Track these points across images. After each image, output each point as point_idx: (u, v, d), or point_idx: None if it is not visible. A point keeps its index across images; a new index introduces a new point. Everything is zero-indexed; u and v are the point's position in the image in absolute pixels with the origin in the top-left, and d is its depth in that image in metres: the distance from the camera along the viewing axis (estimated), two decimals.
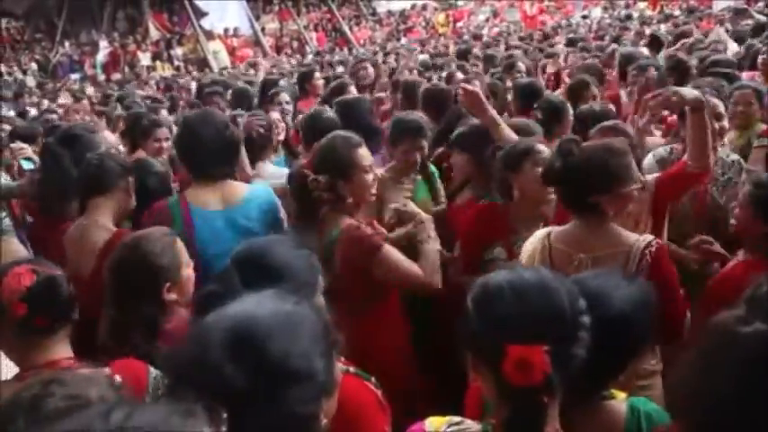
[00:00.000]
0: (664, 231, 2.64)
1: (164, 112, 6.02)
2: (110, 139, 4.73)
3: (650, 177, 2.65)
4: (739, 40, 6.95)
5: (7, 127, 4.96)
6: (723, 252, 2.53)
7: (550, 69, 6.05)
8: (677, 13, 12.93)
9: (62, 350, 1.67)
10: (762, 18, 8.21)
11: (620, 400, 1.41)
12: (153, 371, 1.66)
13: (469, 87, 2.95)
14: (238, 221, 2.52)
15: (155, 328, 1.88)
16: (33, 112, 9.79)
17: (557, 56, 6.92)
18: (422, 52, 11.50)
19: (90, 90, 12.67)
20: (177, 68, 16.05)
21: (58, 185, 3.05)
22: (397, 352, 2.39)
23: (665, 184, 2.60)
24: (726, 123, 3.13)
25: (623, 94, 4.88)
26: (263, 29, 18.40)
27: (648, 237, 2.07)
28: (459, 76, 5.37)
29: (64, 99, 10.74)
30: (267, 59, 15.24)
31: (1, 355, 1.72)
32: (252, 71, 12.36)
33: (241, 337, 1.00)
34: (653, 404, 1.42)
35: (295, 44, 18.15)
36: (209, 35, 16.56)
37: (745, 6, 9.90)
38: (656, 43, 6.75)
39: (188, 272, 2.00)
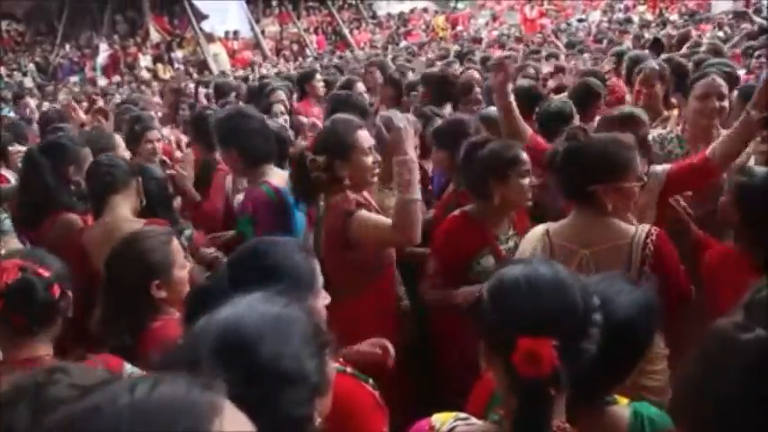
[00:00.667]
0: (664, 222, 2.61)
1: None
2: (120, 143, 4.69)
3: (659, 168, 2.62)
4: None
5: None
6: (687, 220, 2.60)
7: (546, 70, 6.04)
8: (674, 17, 12.95)
9: (41, 349, 1.69)
10: (760, 21, 8.21)
11: (623, 405, 1.42)
12: (129, 367, 1.67)
13: (507, 63, 2.95)
14: None
15: (140, 323, 1.91)
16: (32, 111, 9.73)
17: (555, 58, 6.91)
18: (420, 55, 11.47)
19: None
20: (184, 73, 15.98)
21: (35, 197, 2.92)
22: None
23: (678, 175, 2.58)
24: (726, 104, 3.14)
25: (629, 98, 4.86)
26: (263, 32, 18.43)
27: (646, 226, 2.10)
28: (476, 75, 5.30)
29: (64, 95, 10.71)
30: (267, 62, 15.25)
31: None
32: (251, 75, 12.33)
33: (230, 342, 1.00)
34: (655, 409, 1.42)
35: (295, 47, 18.17)
36: (210, 38, 16.58)
37: (745, 9, 9.92)
38: (657, 46, 6.76)
39: (182, 273, 2.01)
